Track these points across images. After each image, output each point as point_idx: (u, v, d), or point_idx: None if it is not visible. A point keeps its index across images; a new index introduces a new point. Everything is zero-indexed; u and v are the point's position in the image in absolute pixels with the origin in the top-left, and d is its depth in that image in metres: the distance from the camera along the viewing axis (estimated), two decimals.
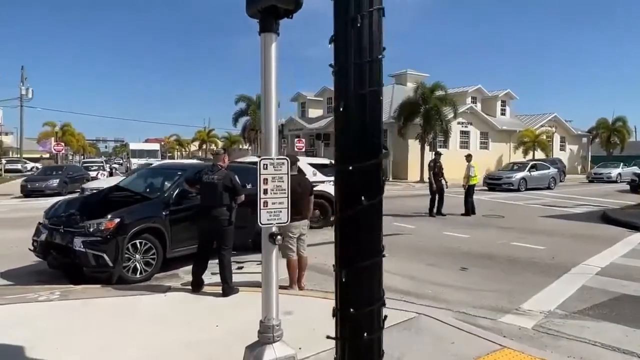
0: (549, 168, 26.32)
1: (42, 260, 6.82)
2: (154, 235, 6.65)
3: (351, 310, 1.60)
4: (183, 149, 74.51)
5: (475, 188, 14.69)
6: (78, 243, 6.14)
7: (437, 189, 13.95)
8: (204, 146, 62.08)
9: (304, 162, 11.99)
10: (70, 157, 54.74)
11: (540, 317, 5.18)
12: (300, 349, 4.11)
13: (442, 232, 10.93)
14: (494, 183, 24.09)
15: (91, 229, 6.18)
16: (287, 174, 3.36)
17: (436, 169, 14.07)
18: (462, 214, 13.98)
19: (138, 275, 6.49)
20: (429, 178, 14.21)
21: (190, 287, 5.92)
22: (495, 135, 37.42)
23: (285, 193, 3.35)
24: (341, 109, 1.32)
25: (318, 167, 12.13)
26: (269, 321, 3.33)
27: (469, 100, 36.89)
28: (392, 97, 35.15)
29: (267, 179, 3.27)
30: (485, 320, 5.11)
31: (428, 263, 7.82)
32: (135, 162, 32.84)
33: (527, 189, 23.48)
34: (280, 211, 3.34)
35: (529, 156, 35.77)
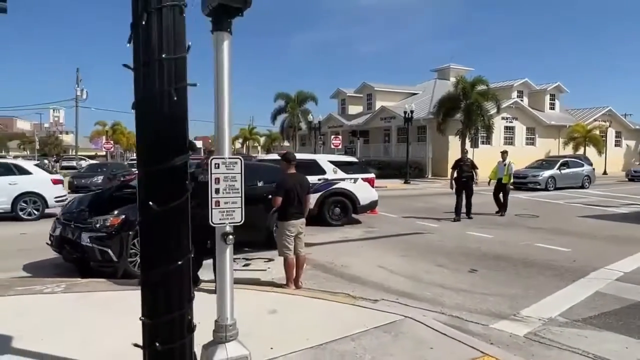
0: (582, 165, 24.60)
1: (58, 254, 7.14)
2: None
3: (149, 317, 1.55)
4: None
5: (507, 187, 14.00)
6: (85, 238, 6.40)
7: (459, 190, 12.55)
8: (247, 143, 63.30)
9: (324, 160, 11.97)
10: (122, 155, 57.31)
11: (537, 325, 4.89)
12: (271, 348, 4.10)
13: (465, 232, 10.58)
14: (519, 182, 22.33)
15: (97, 225, 6.42)
16: (241, 173, 3.33)
17: (459, 168, 12.67)
18: (496, 213, 13.48)
19: None
20: (450, 179, 12.96)
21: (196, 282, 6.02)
22: (543, 130, 35.80)
23: (238, 192, 3.33)
24: (133, 109, 1.28)
25: (340, 164, 12.02)
26: (222, 320, 3.33)
27: (514, 94, 35.49)
28: (433, 92, 34.41)
29: (218, 179, 3.27)
30: (477, 325, 4.89)
31: (438, 264, 7.58)
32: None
33: (556, 188, 22.03)
34: (234, 211, 3.33)
35: (580, 152, 33.96)
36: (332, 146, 28.47)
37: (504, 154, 13.95)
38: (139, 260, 6.59)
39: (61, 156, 54.15)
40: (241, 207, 3.35)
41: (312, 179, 11.31)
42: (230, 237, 3.29)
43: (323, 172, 11.56)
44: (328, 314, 5.00)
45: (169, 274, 1.49)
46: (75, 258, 6.82)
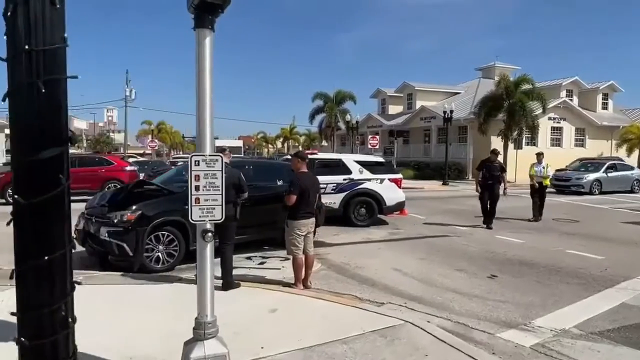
0: (632, 169, 23.00)
1: (83, 247, 7.42)
2: (176, 228, 6.95)
3: (19, 311, 1.53)
4: (270, 146, 77.41)
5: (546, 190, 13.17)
6: (104, 232, 6.62)
7: (483, 195, 11.33)
8: (287, 143, 63.87)
9: (350, 159, 11.86)
10: (168, 153, 59.30)
11: (547, 335, 4.61)
12: (262, 348, 4.07)
13: (494, 236, 10.19)
14: (561, 185, 21.16)
15: (115, 220, 6.63)
16: (221, 170, 3.32)
17: (486, 171, 11.31)
18: (530, 219, 12.57)
19: (160, 266, 6.83)
20: (475, 181, 11.82)
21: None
22: (594, 131, 34.00)
23: (218, 190, 3.32)
24: (2, 100, 1.27)
25: (367, 164, 11.87)
26: (201, 318, 3.33)
27: (563, 93, 33.94)
28: (476, 92, 33.47)
29: (198, 176, 3.27)
30: (482, 334, 4.67)
31: (456, 268, 7.32)
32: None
33: (602, 193, 20.64)
34: (214, 208, 3.33)
35: (634, 155, 32.00)
36: (369, 146, 28.19)
37: (540, 155, 13.02)
38: (155, 255, 6.81)
39: (112, 153, 56.50)
40: (221, 205, 3.34)
41: (337, 178, 11.32)
42: (209, 234, 3.28)
43: (349, 172, 11.45)
44: (328, 315, 4.92)
45: (38, 269, 1.47)
46: (97, 251, 7.07)
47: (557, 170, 24.53)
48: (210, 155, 3.28)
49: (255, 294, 5.68)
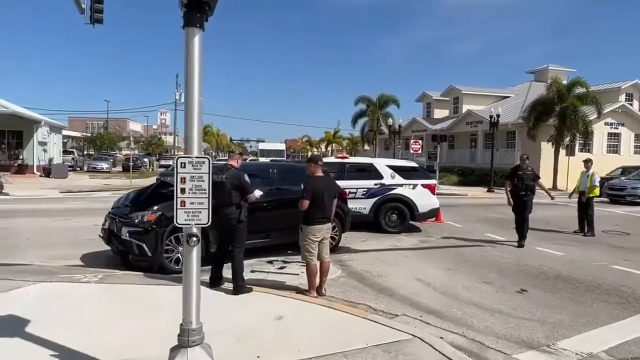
0: None
1: (108, 246, 7.59)
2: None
3: None
4: (314, 149, 77.76)
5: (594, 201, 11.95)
6: (125, 232, 6.74)
7: (515, 207, 9.93)
8: (330, 146, 63.87)
9: (382, 164, 11.58)
10: (214, 155, 60.75)
11: None
12: (258, 357, 3.95)
13: (532, 247, 9.60)
14: (616, 195, 19.53)
15: (136, 220, 6.73)
16: (208, 173, 3.22)
17: (517, 179, 9.89)
18: (576, 232, 11.67)
19: (179, 267, 6.84)
20: (506, 191, 10.25)
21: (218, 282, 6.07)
22: None
23: (205, 193, 3.22)
24: None
25: (399, 169, 11.53)
26: (186, 324, 3.24)
27: (622, 97, 31.94)
28: (527, 95, 32.16)
29: (184, 178, 3.19)
30: (498, 354, 4.33)
31: (484, 280, 6.92)
32: (262, 160, 35.09)
33: None
34: (200, 212, 3.23)
35: None
36: (412, 151, 27.58)
37: (588, 162, 11.95)
38: (175, 256, 6.85)
39: (162, 155, 58.60)
40: (208, 209, 3.23)
41: (368, 183, 11.08)
42: (194, 238, 3.19)
43: (380, 176, 11.17)
44: (335, 325, 4.73)
45: None
46: (120, 251, 7.20)
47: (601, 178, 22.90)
48: (196, 158, 3.19)
49: (265, 299, 5.57)
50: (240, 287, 5.74)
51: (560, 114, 26.09)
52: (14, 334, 4.20)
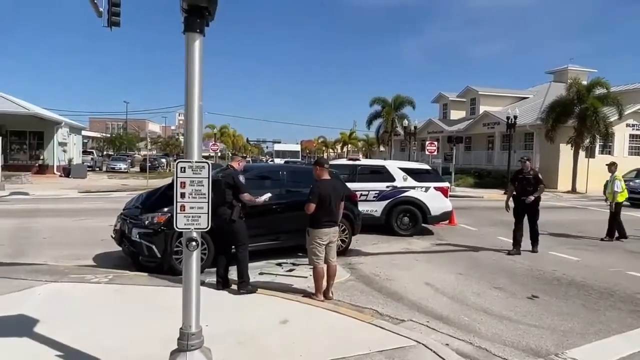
0: None
1: (120, 247, 7.68)
2: (205, 231, 7.00)
3: None
4: (330, 150, 77.85)
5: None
6: (135, 233, 6.81)
7: (518, 213, 9.28)
8: (345, 148, 63.85)
9: (393, 166, 11.51)
10: (230, 156, 61.19)
11: None
12: None
13: (547, 252, 9.41)
14: (636, 198, 18.55)
15: (146, 222, 6.80)
16: (208, 177, 3.23)
17: (518, 183, 9.32)
18: (603, 239, 10.97)
19: None
20: (506, 197, 9.83)
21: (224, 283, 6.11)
22: None
23: (205, 198, 3.23)
24: None
25: (412, 172, 11.45)
26: (185, 328, 3.25)
27: None
28: (546, 96, 31.64)
29: (184, 183, 3.20)
30: None
31: (495, 285, 6.81)
32: (278, 161, 35.23)
33: None
34: (200, 216, 3.25)
35: None
36: (427, 152, 27.35)
37: (612, 166, 11.34)
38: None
39: (180, 155, 59.26)
40: (208, 213, 3.25)
41: (380, 185, 11.02)
42: (193, 243, 3.20)
43: (392, 179, 11.10)
44: (339, 330, 4.71)
45: None
46: (131, 252, 7.28)
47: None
48: (196, 162, 3.20)
49: (271, 302, 5.57)
50: (245, 286, 5.76)
51: (580, 115, 25.60)
52: (22, 334, 4.27)
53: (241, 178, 6.03)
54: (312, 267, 6.00)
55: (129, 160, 42.65)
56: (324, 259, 5.94)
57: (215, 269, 6.22)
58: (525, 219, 9.33)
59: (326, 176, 6.07)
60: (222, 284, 6.02)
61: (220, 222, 5.81)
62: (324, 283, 5.96)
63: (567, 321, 5.36)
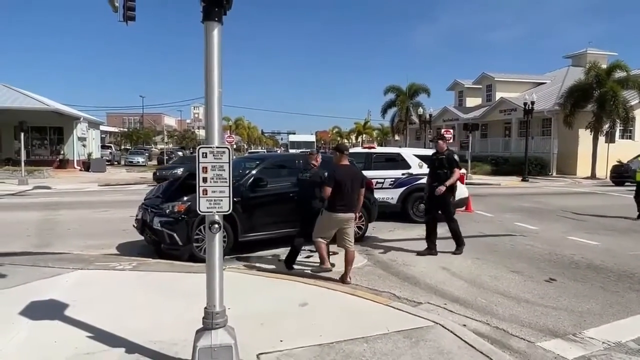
0: None
1: (142, 236, 7.88)
2: (225, 219, 7.13)
3: None
4: (344, 140, 77.86)
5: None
6: (157, 222, 6.98)
7: (427, 201, 7.99)
8: (360, 137, 63.74)
9: (409, 153, 11.51)
10: (245, 148, 61.62)
11: (596, 348, 4.14)
12: (281, 341, 4.06)
13: (565, 237, 9.38)
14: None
15: (167, 211, 6.96)
16: (229, 162, 3.33)
17: (430, 167, 7.93)
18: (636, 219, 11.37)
19: None
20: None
21: (239, 269, 6.28)
22: None
23: (226, 182, 3.34)
24: None
25: (427, 159, 11.41)
26: (210, 308, 3.37)
27: None
28: (564, 81, 31.10)
29: (206, 168, 3.31)
30: (522, 342, 4.30)
31: (513, 270, 6.83)
32: (293, 152, 35.33)
33: None
34: (221, 200, 3.35)
35: None
36: None
37: None
38: (204, 245, 7.05)
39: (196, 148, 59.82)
40: (229, 197, 3.35)
41: (396, 173, 11.04)
42: (216, 225, 3.31)
43: (407, 166, 11.12)
44: (357, 312, 4.81)
45: None
46: (153, 240, 7.47)
47: (613, 166, 22.04)
48: (217, 148, 3.30)
49: (290, 286, 5.69)
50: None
51: (599, 100, 25.18)
52: (53, 317, 4.46)
53: (326, 174, 6.29)
54: (341, 251, 6.31)
55: (147, 154, 43.25)
56: (341, 244, 6.10)
57: (231, 256, 6.74)
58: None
59: (345, 162, 6.17)
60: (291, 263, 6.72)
61: (312, 213, 6.35)
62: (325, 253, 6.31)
63: (584, 303, 5.38)
